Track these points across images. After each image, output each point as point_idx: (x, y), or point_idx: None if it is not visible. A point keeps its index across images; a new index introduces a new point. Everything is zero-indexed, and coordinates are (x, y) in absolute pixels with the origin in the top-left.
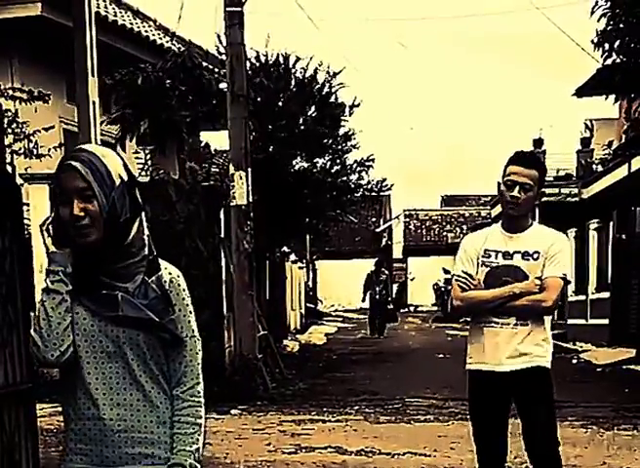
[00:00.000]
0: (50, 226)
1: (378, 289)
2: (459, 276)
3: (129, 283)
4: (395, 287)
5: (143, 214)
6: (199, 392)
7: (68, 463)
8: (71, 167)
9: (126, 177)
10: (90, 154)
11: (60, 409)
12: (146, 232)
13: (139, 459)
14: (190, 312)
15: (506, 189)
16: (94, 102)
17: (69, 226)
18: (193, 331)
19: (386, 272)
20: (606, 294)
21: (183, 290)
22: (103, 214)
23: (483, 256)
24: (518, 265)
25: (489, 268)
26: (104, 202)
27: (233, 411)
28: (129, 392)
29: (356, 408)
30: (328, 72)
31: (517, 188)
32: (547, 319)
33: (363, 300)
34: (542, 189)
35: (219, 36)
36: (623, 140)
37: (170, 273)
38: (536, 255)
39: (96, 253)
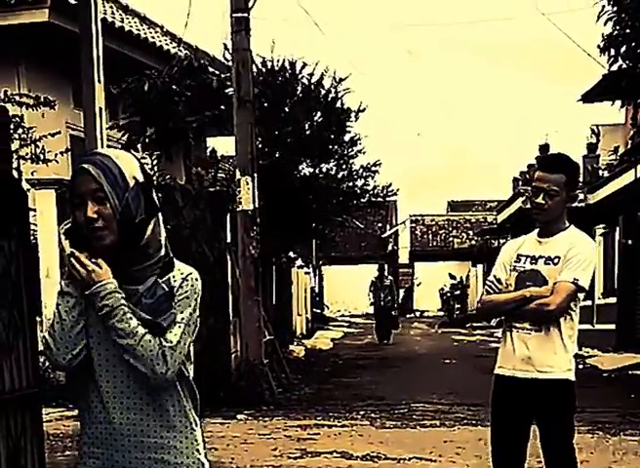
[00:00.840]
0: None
1: (382, 295)
2: (489, 281)
3: (140, 285)
4: (402, 292)
5: (160, 215)
6: (168, 356)
7: (82, 467)
8: (84, 170)
9: (142, 179)
10: (103, 157)
11: (66, 413)
12: (163, 234)
13: (148, 464)
14: (189, 306)
15: (532, 195)
16: (100, 108)
17: (84, 229)
18: (183, 320)
19: (390, 277)
20: (612, 300)
21: (192, 285)
22: (117, 215)
23: (515, 261)
24: (539, 270)
25: (517, 273)
26: (117, 204)
27: (239, 416)
28: (139, 396)
29: (362, 413)
30: (334, 78)
31: (542, 195)
32: (567, 325)
33: (371, 304)
34: (576, 192)
35: (225, 45)
36: (630, 146)
37: (182, 273)
38: (556, 260)
39: (112, 256)
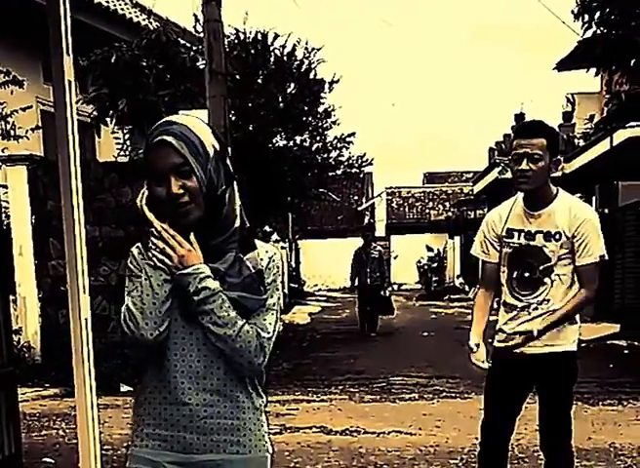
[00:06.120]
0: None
1: (368, 270)
2: (481, 262)
3: (218, 262)
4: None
5: (235, 183)
6: (261, 343)
7: (143, 448)
8: (165, 142)
9: (218, 146)
10: (181, 126)
11: (43, 393)
12: (238, 202)
13: (224, 447)
14: (277, 289)
15: (514, 163)
16: (69, 82)
17: (167, 206)
18: (274, 306)
19: (379, 248)
20: None
21: (277, 267)
22: (203, 189)
23: (505, 237)
24: (540, 246)
25: (512, 249)
26: (203, 176)
27: None
28: (215, 377)
29: (341, 387)
30: (307, 48)
31: (525, 160)
32: (569, 296)
33: (352, 285)
34: (558, 156)
35: (196, 17)
36: (605, 114)
37: (267, 252)
38: (557, 236)
39: (192, 231)
